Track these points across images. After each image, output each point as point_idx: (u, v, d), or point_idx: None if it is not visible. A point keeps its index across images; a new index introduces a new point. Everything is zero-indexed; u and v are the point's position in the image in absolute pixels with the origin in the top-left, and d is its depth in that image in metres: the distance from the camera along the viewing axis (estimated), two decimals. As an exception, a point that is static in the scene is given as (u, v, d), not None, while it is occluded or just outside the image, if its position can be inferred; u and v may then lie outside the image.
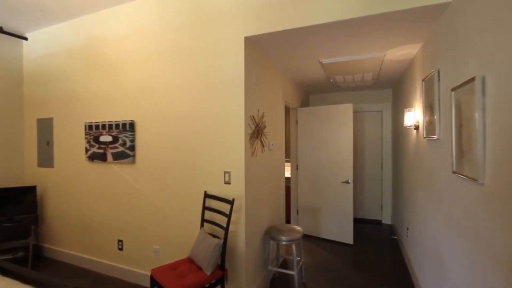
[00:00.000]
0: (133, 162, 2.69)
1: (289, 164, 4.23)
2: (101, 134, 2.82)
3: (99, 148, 2.84)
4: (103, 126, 2.81)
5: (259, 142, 2.50)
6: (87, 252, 3.01)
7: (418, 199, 2.58)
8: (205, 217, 2.38)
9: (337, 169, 3.75)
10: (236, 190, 2.25)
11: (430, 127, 2.13)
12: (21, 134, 3.44)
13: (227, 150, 2.28)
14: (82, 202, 3.01)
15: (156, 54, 2.55)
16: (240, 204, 2.25)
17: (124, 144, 2.70)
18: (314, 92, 4.90)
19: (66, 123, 3.10)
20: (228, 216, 2.09)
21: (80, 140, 3.00)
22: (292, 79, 3.74)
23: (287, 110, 4.78)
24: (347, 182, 3.66)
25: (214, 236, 2.25)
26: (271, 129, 2.86)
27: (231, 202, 2.11)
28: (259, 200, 2.54)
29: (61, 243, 3.19)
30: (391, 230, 4.34)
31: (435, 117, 1.97)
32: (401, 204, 3.58)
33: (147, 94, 2.61)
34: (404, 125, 2.76)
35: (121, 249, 2.79)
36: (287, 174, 4.61)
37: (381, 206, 4.66)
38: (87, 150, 2.91)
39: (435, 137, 1.98)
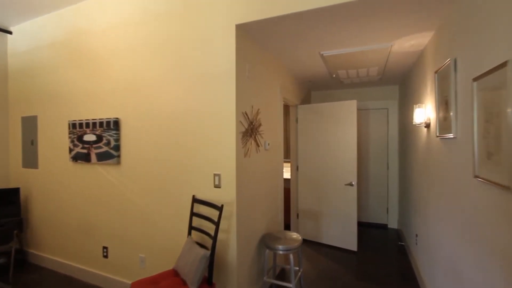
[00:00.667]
0: (118, 163, 2.49)
1: (288, 164, 4.00)
2: (85, 133, 2.63)
3: (82, 148, 2.65)
4: (87, 125, 2.62)
5: (253, 142, 2.28)
6: (71, 258, 2.82)
7: (429, 205, 2.33)
8: (193, 224, 2.17)
9: (340, 170, 3.51)
10: (227, 194, 2.04)
11: (444, 124, 1.88)
12: (6, 133, 3.27)
13: (217, 150, 2.07)
14: (67, 206, 2.82)
15: (142, 45, 2.35)
16: (231, 210, 2.03)
17: (108, 143, 2.50)
18: (316, 89, 4.66)
19: (50, 121, 2.92)
20: (217, 224, 1.87)
21: (64, 140, 2.81)
22: (291, 74, 3.50)
23: (286, 107, 4.55)
24: (351, 185, 3.42)
25: (202, 246, 2.04)
26: (267, 127, 2.64)
27: (219, 208, 1.89)
28: (254, 205, 2.32)
29: (46, 248, 3.01)
30: (398, 235, 4.08)
31: (451, 113, 1.72)
32: (409, 208, 3.33)
33: (132, 90, 2.41)
34: (414, 123, 2.51)
35: (106, 256, 2.60)
36: (287, 175, 4.38)
37: (387, 209, 4.41)
38: (70, 150, 2.72)
39: (450, 135, 1.74)
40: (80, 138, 2.66)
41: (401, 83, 4.02)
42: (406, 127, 3.59)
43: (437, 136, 2.03)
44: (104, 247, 2.60)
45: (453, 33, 1.74)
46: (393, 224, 4.38)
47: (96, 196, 2.62)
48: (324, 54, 2.67)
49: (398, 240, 3.85)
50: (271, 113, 2.75)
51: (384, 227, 4.42)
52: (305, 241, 3.82)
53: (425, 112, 2.43)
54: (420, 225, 2.70)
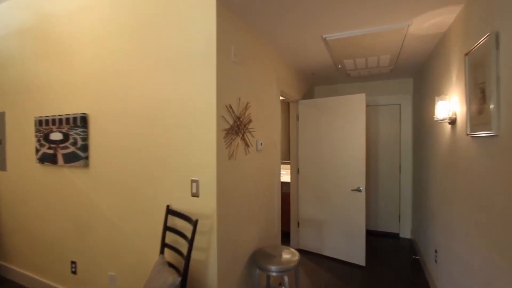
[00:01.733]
0: (86, 166, 2.15)
1: (288, 166, 3.60)
2: (51, 131, 2.30)
3: (49, 148, 2.32)
4: (53, 121, 2.28)
5: (240, 141, 1.91)
6: (40, 273, 2.50)
7: (455, 217, 1.92)
8: (167, 241, 1.80)
9: (346, 174, 3.10)
10: (206, 205, 1.67)
11: (479, 119, 1.48)
12: (-24, 131, 2.97)
13: (194, 151, 1.70)
14: (34, 213, 2.50)
15: (111, 30, 2.00)
16: (210, 224, 1.66)
17: (75, 143, 2.16)
18: (319, 84, 4.25)
19: (18, 118, 2.59)
20: (190, 242, 1.50)
21: (31, 139, 2.49)
22: (290, 65, 3.11)
23: (286, 104, 4.15)
24: (358, 190, 3.01)
25: (176, 268, 1.67)
26: (260, 124, 2.26)
27: (193, 223, 1.52)
28: (241, 217, 1.94)
29: (15, 260, 2.70)
30: (412, 246, 3.65)
31: (491, 105, 1.32)
32: (426, 217, 2.90)
33: (102, 80, 2.06)
34: (435, 119, 2.10)
35: (74, 272, 2.26)
36: (287, 178, 3.99)
37: (399, 216, 3.97)
38: (37, 151, 2.40)
39: (489, 133, 1.33)
40: (46, 137, 2.33)
41: (416, 75, 3.58)
42: (422, 125, 3.16)
43: (468, 135, 1.62)
44: (73, 262, 2.27)
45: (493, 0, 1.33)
46: (405, 233, 3.94)
47: (64, 203, 2.29)
48: (327, 38, 2.28)
49: (411, 252, 3.43)
50: (265, 108, 2.37)
51: (395, 236, 3.99)
52: (305, 252, 3.43)
53: (449, 106, 2.02)
54: (441, 240, 2.28)
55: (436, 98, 2.11)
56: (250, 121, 2.04)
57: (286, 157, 4.19)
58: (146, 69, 1.85)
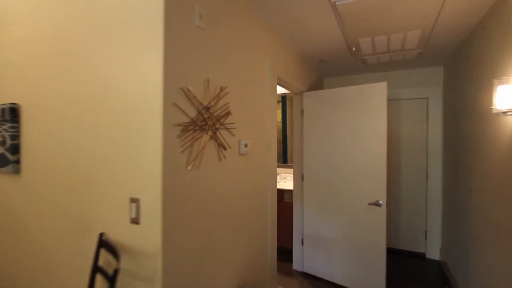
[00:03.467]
0: (17, 172, 1.64)
1: (291, 170, 2.99)
2: (-18, 127, 1.81)
3: (-20, 148, 1.83)
4: (-16, 115, 1.80)
5: (209, 141, 1.34)
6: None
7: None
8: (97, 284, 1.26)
9: (362, 183, 2.48)
10: (148, 236, 1.12)
11: None
12: None
13: (134, 157, 1.15)
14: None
15: (45, 3, 1.49)
16: (154, 267, 1.10)
17: (3, 142, 1.67)
18: (330, 74, 3.63)
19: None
20: (115, 302, 0.96)
21: (-32, 137, 2.02)
22: (291, 45, 2.52)
23: (285, 98, 3.55)
24: (377, 204, 2.38)
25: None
26: (245, 118, 1.69)
27: (111, 277, 0.97)
28: (209, 250, 1.37)
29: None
30: (441, 270, 2.97)
31: None
32: (466, 237, 2.24)
33: (36, 63, 1.55)
34: (494, 111, 1.46)
35: (8, 308, 1.77)
36: (290, 185, 3.40)
37: (425, 233, 3.30)
38: (-30, 152, 1.92)
39: None
40: (-22, 135, 1.85)
41: (450, 62, 2.90)
42: (461, 121, 2.49)
43: None
44: (6, 295, 1.77)
45: None
46: (433, 253, 3.26)
47: (-3, 219, 1.80)
48: (337, 2, 1.68)
49: (442, 279, 2.75)
50: (254, 98, 1.79)
51: (420, 256, 3.32)
52: (311, 277, 2.82)
53: (515, 92, 1.38)
54: (495, 272, 1.63)
55: (495, 81, 1.47)
56: (227, 113, 1.48)
57: (289, 160, 3.59)
58: (85, 45, 1.32)
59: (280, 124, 3.82)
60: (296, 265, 2.95)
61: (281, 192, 3.34)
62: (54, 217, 1.46)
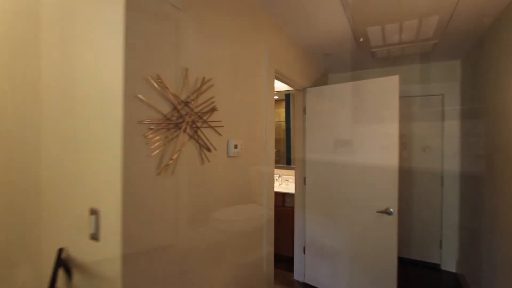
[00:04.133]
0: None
1: (292, 172, 2.77)
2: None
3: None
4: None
5: (188, 142, 1.14)
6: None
7: None
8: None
9: (371, 188, 2.24)
10: (108, 255, 0.92)
11: None
12: None
13: (93, 160, 0.96)
14: None
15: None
16: (114, 295, 0.91)
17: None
18: (335, 69, 3.39)
19: None
20: None
21: None
22: (291, 35, 2.30)
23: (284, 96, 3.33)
24: (388, 213, 2.14)
25: None
26: (234, 115, 1.48)
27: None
28: (186, 274, 1.18)
29: None
30: (459, 284, 2.70)
31: None
32: (492, 250, 1.98)
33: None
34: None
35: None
36: (292, 188, 3.17)
37: (440, 242, 3.03)
38: None
39: None
40: None
41: (469, 54, 2.63)
42: (485, 119, 2.22)
43: None
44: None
45: None
46: (449, 265, 2.98)
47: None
48: (341, -18, 1.46)
49: (461, 296, 2.49)
50: (246, 92, 1.59)
51: (435, 267, 3.05)
52: (314, 288, 2.60)
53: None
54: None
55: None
56: (212, 109, 1.27)
57: (293, 162, 3.37)
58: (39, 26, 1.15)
59: (284, 123, 3.61)
60: (297, 275, 2.73)
61: (282, 196, 3.12)
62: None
